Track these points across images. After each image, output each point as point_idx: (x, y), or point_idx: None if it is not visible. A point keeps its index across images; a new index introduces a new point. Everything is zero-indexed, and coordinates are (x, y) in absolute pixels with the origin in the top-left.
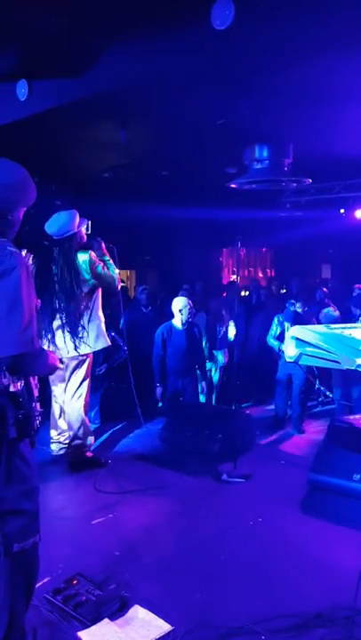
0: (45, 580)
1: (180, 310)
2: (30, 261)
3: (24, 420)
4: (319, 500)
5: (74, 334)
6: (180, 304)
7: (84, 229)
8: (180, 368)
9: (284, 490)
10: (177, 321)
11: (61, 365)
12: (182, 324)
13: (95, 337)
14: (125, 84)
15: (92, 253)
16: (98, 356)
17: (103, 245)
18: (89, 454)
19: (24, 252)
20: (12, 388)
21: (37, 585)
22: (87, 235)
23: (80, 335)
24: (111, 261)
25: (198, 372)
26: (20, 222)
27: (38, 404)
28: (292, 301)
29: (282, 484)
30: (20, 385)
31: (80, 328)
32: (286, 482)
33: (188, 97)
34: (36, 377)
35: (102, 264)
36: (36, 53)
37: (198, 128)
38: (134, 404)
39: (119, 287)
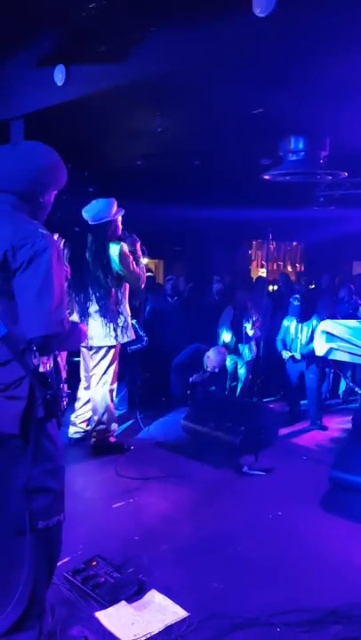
0: (66, 559)
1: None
2: (62, 246)
3: (52, 400)
4: (340, 497)
5: (113, 322)
6: (210, 357)
7: (120, 219)
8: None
9: (305, 485)
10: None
11: (90, 352)
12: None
13: (122, 329)
14: (163, 71)
15: (125, 246)
16: None
17: (138, 245)
18: (112, 440)
19: (56, 236)
20: (41, 369)
21: (58, 564)
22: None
23: (121, 324)
24: (141, 260)
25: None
26: (50, 205)
27: (66, 386)
28: (296, 296)
29: (303, 480)
30: (49, 365)
31: (120, 316)
32: (307, 477)
33: (225, 85)
34: (65, 359)
35: (132, 260)
36: (74, 38)
37: (234, 117)
38: (135, 394)
39: (142, 286)
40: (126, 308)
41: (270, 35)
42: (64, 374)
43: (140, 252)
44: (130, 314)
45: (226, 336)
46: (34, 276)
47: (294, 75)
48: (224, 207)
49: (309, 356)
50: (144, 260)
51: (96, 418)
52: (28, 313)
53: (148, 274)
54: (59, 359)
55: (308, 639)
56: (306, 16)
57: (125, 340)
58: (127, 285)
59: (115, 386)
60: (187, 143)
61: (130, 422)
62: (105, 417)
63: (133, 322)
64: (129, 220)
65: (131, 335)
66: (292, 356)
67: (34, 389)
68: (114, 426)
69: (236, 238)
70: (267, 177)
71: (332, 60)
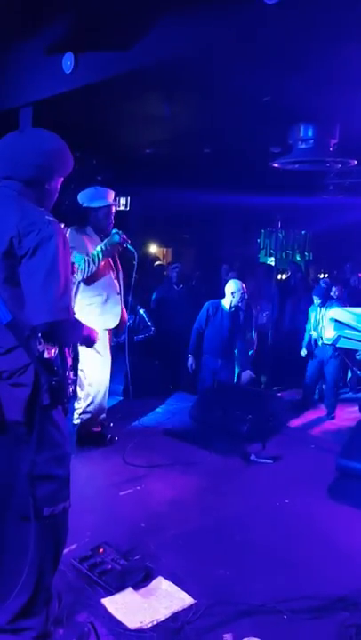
0: (72, 546)
1: (233, 293)
2: (67, 234)
3: (57, 386)
4: (348, 486)
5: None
6: (233, 287)
7: (123, 201)
8: (218, 348)
9: (313, 474)
10: (226, 302)
11: None
12: (230, 307)
13: (93, 317)
14: (172, 57)
15: (67, 234)
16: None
17: (120, 245)
18: (96, 429)
19: (62, 225)
20: (46, 355)
21: (65, 551)
22: (126, 211)
23: (85, 313)
24: (104, 254)
25: (240, 358)
26: (57, 192)
27: (72, 373)
28: (326, 278)
29: (310, 468)
30: (54, 352)
31: (79, 304)
32: (315, 466)
33: (235, 72)
34: (71, 346)
35: (71, 246)
36: (83, 26)
37: (244, 105)
38: (127, 381)
39: (82, 277)
40: (86, 295)
41: (280, 21)
42: (70, 361)
43: (111, 249)
44: (98, 302)
45: None
46: (40, 263)
47: (304, 61)
48: (233, 195)
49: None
50: (152, 245)
51: (83, 406)
52: (33, 300)
53: (158, 262)
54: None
55: (315, 626)
56: (316, 2)
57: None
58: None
59: (107, 375)
60: (196, 131)
61: (134, 410)
62: (91, 407)
63: (142, 311)
64: (137, 207)
65: (99, 324)
66: (315, 345)
67: (39, 376)
68: (102, 416)
69: (245, 226)
70: (276, 165)
71: (342, 47)
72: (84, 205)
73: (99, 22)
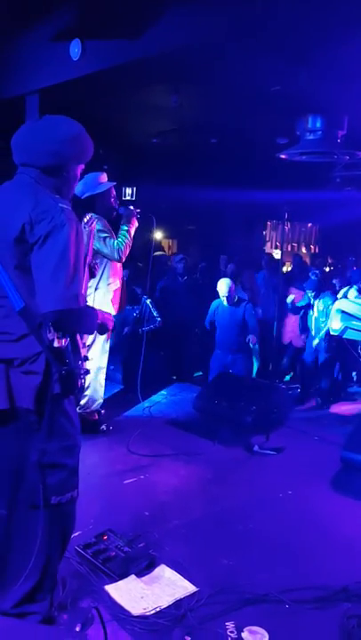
0: (77, 533)
1: (223, 294)
2: (94, 224)
3: (67, 376)
4: (351, 478)
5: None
6: (220, 287)
7: (129, 191)
8: (226, 344)
9: (316, 465)
10: (223, 300)
11: None
12: (227, 302)
13: (98, 305)
14: (180, 46)
15: (94, 223)
16: (127, 318)
17: (135, 217)
18: (94, 417)
19: (88, 217)
20: (56, 344)
21: None
22: (133, 201)
23: (91, 302)
24: (130, 232)
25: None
26: (76, 180)
27: (85, 364)
28: (316, 271)
29: (314, 460)
30: (64, 341)
31: (92, 293)
32: (318, 458)
33: (243, 62)
34: (84, 336)
35: (105, 236)
36: (91, 12)
37: (252, 95)
38: (137, 376)
39: (123, 259)
40: (108, 283)
41: (289, 11)
42: (84, 352)
43: (133, 223)
44: (115, 289)
45: None
46: (51, 251)
47: (314, 52)
48: (239, 187)
49: (325, 335)
50: (158, 235)
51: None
52: (42, 288)
53: (159, 252)
54: (77, 336)
55: (317, 616)
56: None
57: None
58: (110, 262)
59: (104, 364)
60: (203, 121)
61: (140, 400)
62: (89, 392)
63: (148, 301)
64: (143, 198)
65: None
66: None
67: (50, 365)
68: (96, 405)
69: (251, 218)
70: (283, 156)
71: (353, 38)
72: (87, 195)
73: (107, 9)
